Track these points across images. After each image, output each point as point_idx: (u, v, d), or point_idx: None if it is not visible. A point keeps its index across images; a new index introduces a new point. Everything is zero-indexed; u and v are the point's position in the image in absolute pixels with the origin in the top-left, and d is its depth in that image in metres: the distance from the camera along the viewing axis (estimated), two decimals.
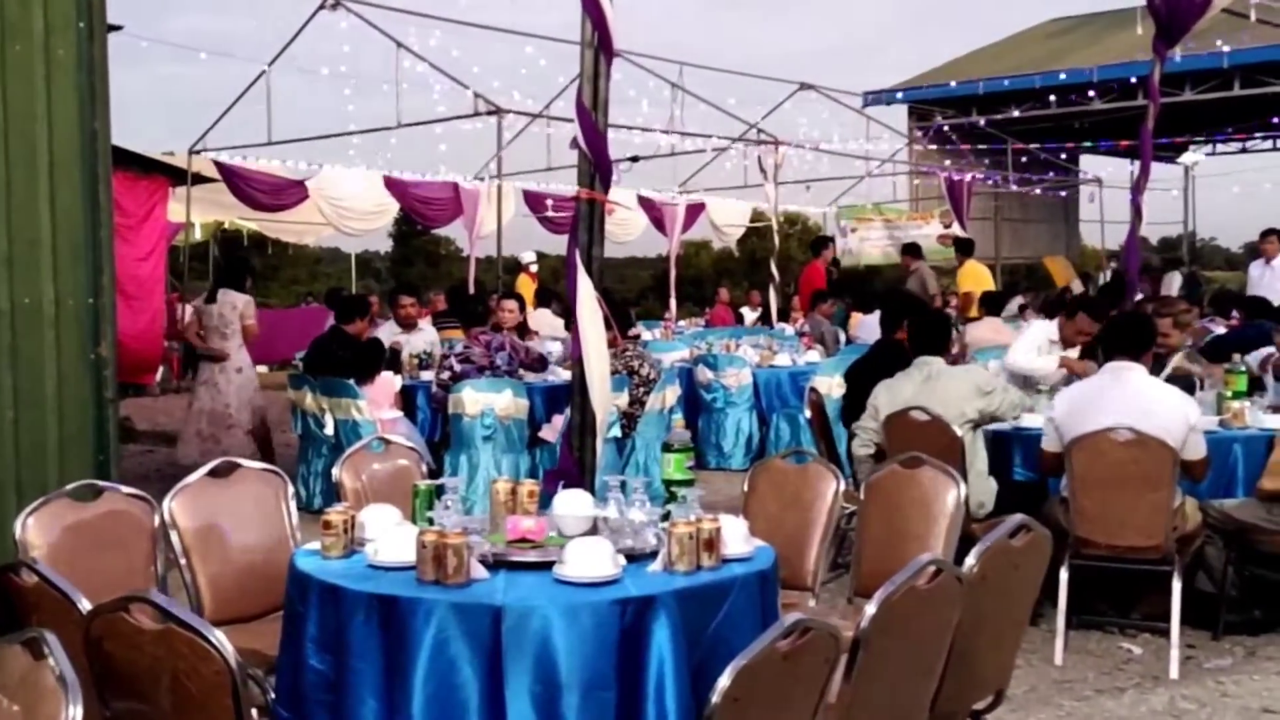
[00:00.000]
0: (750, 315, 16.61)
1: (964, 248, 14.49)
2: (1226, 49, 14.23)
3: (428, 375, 8.05)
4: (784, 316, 14.62)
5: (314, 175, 14.69)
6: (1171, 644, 4.51)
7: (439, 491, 3.13)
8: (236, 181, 13.63)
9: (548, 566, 2.83)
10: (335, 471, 4.04)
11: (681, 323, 15.75)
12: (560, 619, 2.59)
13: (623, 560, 2.84)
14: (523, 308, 9.17)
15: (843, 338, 11.50)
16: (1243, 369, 5.59)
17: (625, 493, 3.17)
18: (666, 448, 3.62)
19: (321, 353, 7.84)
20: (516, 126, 13.68)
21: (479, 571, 2.78)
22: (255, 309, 8.62)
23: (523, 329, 8.97)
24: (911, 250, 13.89)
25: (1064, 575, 4.64)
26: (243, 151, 13.77)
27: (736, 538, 3.02)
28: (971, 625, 2.72)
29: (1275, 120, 20.26)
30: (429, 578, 2.72)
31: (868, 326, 10.36)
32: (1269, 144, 24.31)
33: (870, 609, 2.34)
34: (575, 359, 4.02)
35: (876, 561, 3.64)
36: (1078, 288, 16.42)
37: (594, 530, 3.08)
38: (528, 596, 2.66)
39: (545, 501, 3.29)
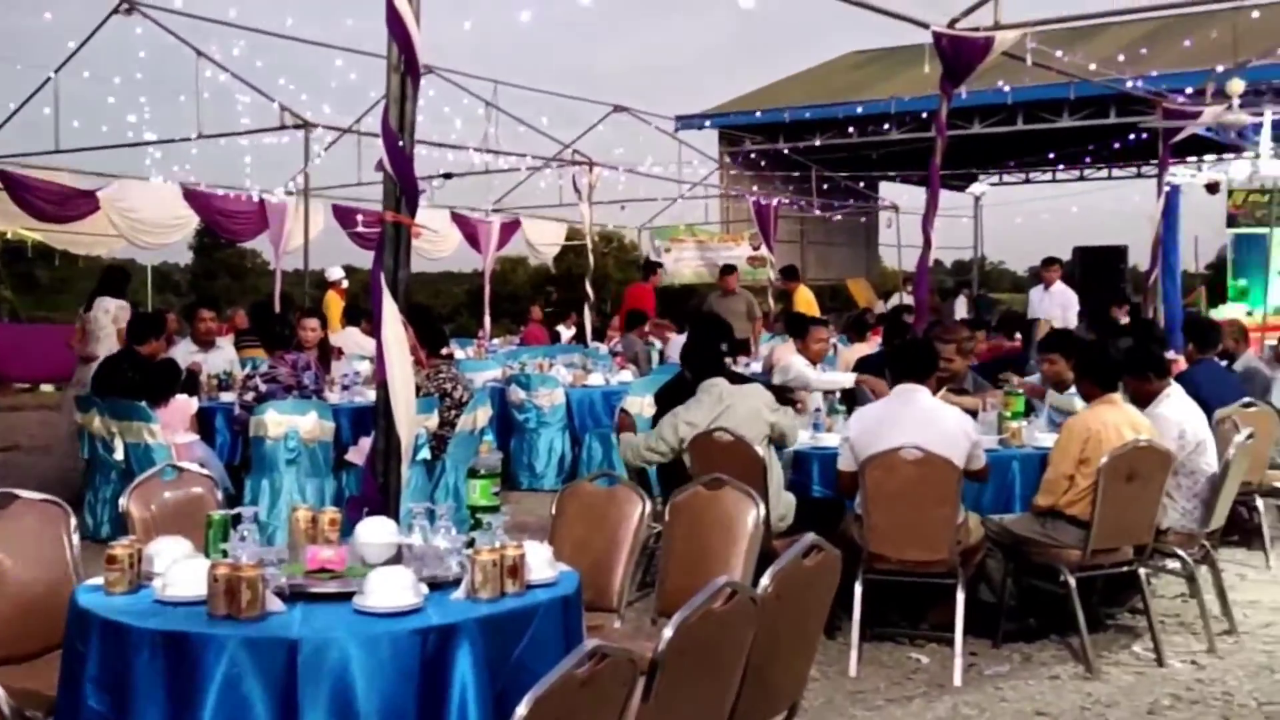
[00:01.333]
0: (566, 334, 16.66)
1: (792, 273, 15.08)
2: (1008, 88, 15.15)
3: (228, 397, 7.76)
4: (600, 335, 14.73)
5: (106, 186, 13.95)
6: (955, 653, 4.76)
7: (235, 521, 3.03)
8: (19, 191, 12.81)
9: (348, 597, 2.78)
10: (123, 501, 3.85)
11: (495, 341, 15.65)
12: (358, 650, 2.55)
13: (425, 589, 2.82)
14: (324, 325, 8.92)
15: (655, 358, 11.67)
16: (1020, 392, 5.98)
17: (430, 519, 3.15)
18: (472, 473, 3.61)
19: (111, 373, 7.47)
20: (325, 140, 13.37)
21: (274, 604, 2.71)
22: (129, 313, 8.85)
23: (325, 347, 8.72)
24: (733, 270, 14.22)
25: (858, 589, 4.84)
26: (26, 159, 12.96)
27: (541, 563, 3.04)
28: (766, 642, 2.82)
29: (1052, 155, 21.76)
30: (221, 612, 2.64)
31: (681, 346, 10.53)
32: (1048, 176, 26.05)
33: (667, 632, 2.39)
34: (380, 383, 3.96)
35: (680, 580, 3.72)
36: (880, 308, 17.23)
37: (398, 558, 3.04)
38: (325, 628, 2.61)
39: (348, 529, 3.23)
